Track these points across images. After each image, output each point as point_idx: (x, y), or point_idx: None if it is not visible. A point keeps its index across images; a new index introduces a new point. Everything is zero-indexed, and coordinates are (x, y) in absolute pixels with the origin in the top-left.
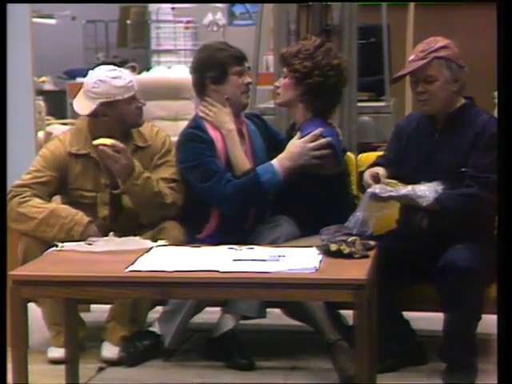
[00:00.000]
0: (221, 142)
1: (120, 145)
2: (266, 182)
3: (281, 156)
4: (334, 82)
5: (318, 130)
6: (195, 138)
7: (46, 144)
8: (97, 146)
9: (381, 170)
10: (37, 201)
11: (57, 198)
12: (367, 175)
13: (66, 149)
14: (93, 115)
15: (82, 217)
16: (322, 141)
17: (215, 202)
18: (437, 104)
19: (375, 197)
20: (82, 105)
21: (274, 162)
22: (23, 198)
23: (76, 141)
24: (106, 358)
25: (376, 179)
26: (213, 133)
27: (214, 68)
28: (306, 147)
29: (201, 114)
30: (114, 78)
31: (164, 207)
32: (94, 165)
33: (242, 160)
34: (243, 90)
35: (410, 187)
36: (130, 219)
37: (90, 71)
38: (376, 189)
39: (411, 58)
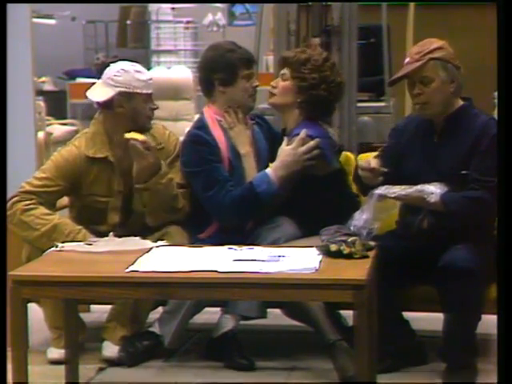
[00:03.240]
0: (224, 144)
1: (151, 143)
2: (262, 193)
3: (275, 165)
4: (335, 98)
5: (302, 133)
6: (199, 141)
7: (61, 150)
8: (128, 139)
9: (374, 161)
10: (41, 211)
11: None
12: (361, 162)
13: (83, 154)
14: (108, 105)
15: (84, 235)
16: (311, 144)
17: (214, 212)
18: (435, 105)
19: (382, 197)
20: (100, 92)
21: (269, 171)
22: (28, 205)
23: (92, 144)
24: (107, 357)
25: (368, 165)
26: (217, 133)
27: (223, 70)
28: (297, 153)
29: (224, 125)
30: (137, 71)
31: (175, 211)
32: (110, 169)
33: None
34: (250, 93)
35: (417, 186)
36: (137, 225)
37: (112, 64)
38: (383, 190)
39: (406, 60)
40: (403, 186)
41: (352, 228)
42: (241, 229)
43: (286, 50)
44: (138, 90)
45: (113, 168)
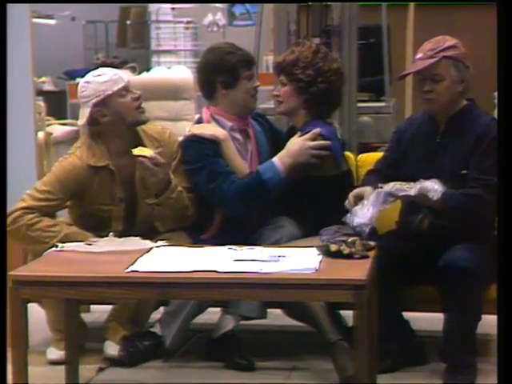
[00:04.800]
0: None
1: (160, 159)
2: (269, 180)
3: (281, 154)
4: (337, 86)
5: (317, 129)
6: (197, 139)
7: (62, 161)
8: (136, 156)
9: (368, 191)
10: (46, 223)
11: None
12: (351, 196)
13: (85, 164)
14: (93, 121)
15: None
16: (322, 142)
17: (220, 202)
18: (442, 104)
19: (390, 196)
20: (81, 115)
21: (275, 159)
22: (32, 219)
23: (91, 153)
24: (110, 355)
25: (358, 200)
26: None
27: (225, 72)
28: (305, 145)
29: (191, 133)
30: (97, 75)
31: (185, 220)
32: (111, 177)
33: (240, 165)
34: (252, 93)
35: (418, 186)
36: (141, 231)
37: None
38: (392, 188)
39: (419, 56)
40: (406, 185)
41: (354, 224)
42: (243, 228)
43: (278, 55)
44: (109, 92)
45: (114, 176)
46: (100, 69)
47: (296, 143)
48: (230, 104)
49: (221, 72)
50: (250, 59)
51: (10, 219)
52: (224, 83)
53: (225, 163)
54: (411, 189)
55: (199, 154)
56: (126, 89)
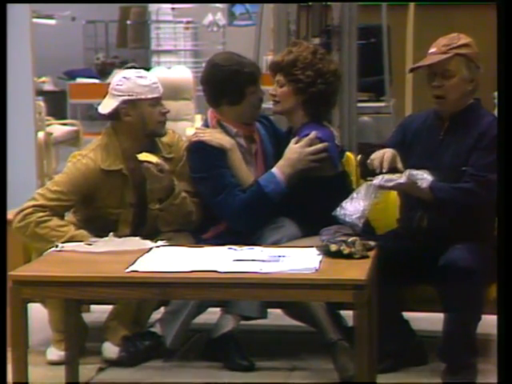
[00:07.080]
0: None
1: (165, 166)
2: (271, 193)
3: (280, 163)
4: (335, 87)
5: (313, 134)
6: (205, 147)
7: (76, 162)
8: (142, 161)
9: (389, 153)
10: (56, 222)
11: None
12: (377, 161)
13: (98, 167)
14: (114, 114)
15: None
16: (319, 146)
17: (224, 218)
18: (450, 101)
19: (380, 188)
20: (105, 104)
21: (275, 170)
22: (42, 217)
23: (106, 156)
24: (108, 358)
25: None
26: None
27: (231, 94)
28: (303, 152)
29: (198, 139)
30: (139, 77)
31: (189, 224)
32: (123, 181)
33: (246, 174)
34: (257, 105)
35: (407, 173)
36: (145, 233)
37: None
38: (381, 180)
39: (432, 50)
40: (396, 175)
41: (347, 219)
42: (252, 231)
43: (274, 55)
44: (142, 96)
45: (126, 180)
46: (144, 71)
47: (294, 151)
48: (235, 116)
49: (226, 93)
50: (256, 73)
51: (20, 216)
52: (229, 102)
53: (230, 173)
54: (401, 177)
55: (205, 162)
56: (157, 100)
